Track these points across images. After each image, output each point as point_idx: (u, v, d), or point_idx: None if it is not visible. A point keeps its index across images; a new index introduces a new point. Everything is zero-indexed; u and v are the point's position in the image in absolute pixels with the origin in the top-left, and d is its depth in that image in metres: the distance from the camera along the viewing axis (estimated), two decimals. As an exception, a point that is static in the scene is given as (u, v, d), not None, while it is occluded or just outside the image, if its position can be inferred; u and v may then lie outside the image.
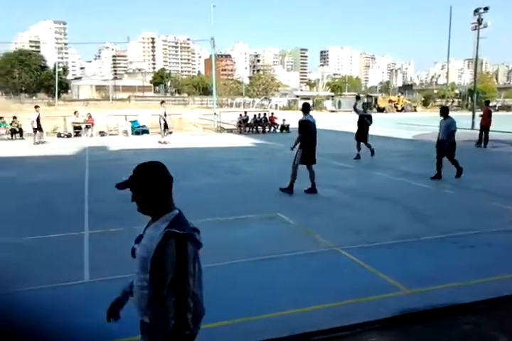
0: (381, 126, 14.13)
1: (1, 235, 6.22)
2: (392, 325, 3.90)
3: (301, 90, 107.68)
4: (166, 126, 18.76)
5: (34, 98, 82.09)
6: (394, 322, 3.92)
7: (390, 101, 60.48)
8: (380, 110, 56.05)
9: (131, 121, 24.13)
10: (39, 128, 19.07)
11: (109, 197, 8.59)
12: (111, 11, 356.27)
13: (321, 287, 4.54)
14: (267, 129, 25.83)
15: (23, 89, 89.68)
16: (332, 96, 73.08)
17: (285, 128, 25.57)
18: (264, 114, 26.82)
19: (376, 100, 60.23)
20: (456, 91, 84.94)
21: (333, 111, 60.26)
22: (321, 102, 66.30)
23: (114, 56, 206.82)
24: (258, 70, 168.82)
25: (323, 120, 35.18)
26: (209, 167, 12.63)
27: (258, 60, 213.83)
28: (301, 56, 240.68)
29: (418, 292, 4.41)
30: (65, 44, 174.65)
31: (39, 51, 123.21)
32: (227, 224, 6.86)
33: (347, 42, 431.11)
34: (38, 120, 18.96)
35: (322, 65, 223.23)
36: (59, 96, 73.61)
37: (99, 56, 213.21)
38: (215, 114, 28.03)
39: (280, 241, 5.99)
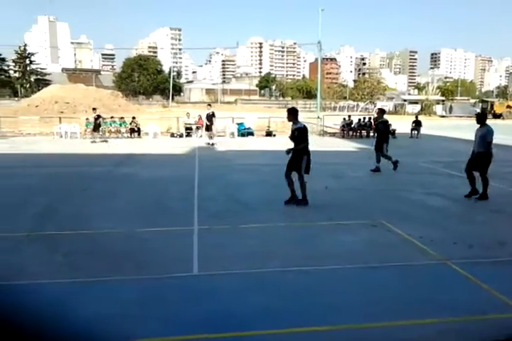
0: (500, 133, 13.05)
1: (120, 225, 6.82)
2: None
3: (409, 94, 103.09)
4: (208, 128, 19.12)
5: (150, 100, 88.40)
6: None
7: (509, 106, 55.66)
8: (497, 116, 51.86)
9: (238, 124, 24.97)
10: (96, 128, 20.44)
11: (216, 196, 9.02)
12: (222, 18, 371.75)
13: (429, 300, 4.33)
14: (371, 134, 25.17)
15: (141, 91, 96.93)
16: (443, 101, 69.00)
17: (391, 133, 24.75)
18: (369, 118, 26.19)
19: (492, 106, 55.85)
20: None
21: (443, 117, 56.95)
22: (431, 107, 62.93)
23: (223, 61, 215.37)
24: (363, 73, 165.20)
25: (432, 126, 33.46)
26: (313, 170, 12.62)
27: (364, 63, 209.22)
28: (410, 58, 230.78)
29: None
30: (180, 49, 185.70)
31: (156, 56, 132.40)
32: (330, 229, 6.83)
33: (460, 44, 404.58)
34: (96, 120, 20.30)
35: (432, 68, 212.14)
36: (172, 98, 78.35)
37: (209, 61, 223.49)
38: (318, 117, 27.96)
39: (385, 250, 5.81)
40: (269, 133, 24.94)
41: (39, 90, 65.46)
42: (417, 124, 24.70)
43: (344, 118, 26.17)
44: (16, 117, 28.61)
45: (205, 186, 10.01)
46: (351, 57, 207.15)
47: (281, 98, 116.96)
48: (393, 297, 4.39)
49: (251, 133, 24.51)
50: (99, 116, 20.56)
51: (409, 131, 25.00)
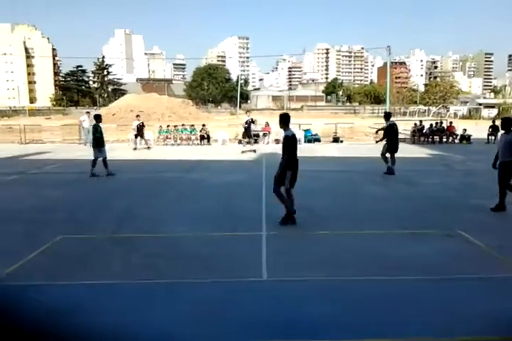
0: None
1: (192, 229, 7.04)
2: None
3: (485, 97, 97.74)
4: (248, 135, 18.99)
5: (219, 107, 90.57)
6: None
7: None
8: None
9: (305, 130, 24.92)
10: (141, 135, 20.82)
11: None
12: (289, 26, 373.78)
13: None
14: (444, 139, 24.16)
15: (210, 99, 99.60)
16: (522, 104, 64.69)
17: (465, 138, 23.63)
18: (441, 123, 25.15)
19: None
20: None
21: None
22: (508, 110, 59.24)
23: (289, 67, 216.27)
24: (435, 77, 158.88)
25: None
26: (380, 177, 12.37)
27: (435, 67, 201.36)
28: (486, 61, 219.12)
29: None
30: (247, 58, 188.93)
31: (225, 65, 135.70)
32: (403, 238, 6.63)
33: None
34: (140, 127, 20.69)
35: (510, 70, 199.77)
36: (240, 106, 79.79)
37: (276, 68, 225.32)
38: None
39: (463, 262, 5.54)
40: (336, 139, 24.65)
41: (116, 99, 69.25)
42: (494, 129, 23.36)
43: (415, 124, 25.31)
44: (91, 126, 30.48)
45: (272, 192, 10.06)
46: (422, 61, 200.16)
47: (348, 103, 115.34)
48: (478, 313, 4.15)
49: (318, 140, 24.37)
50: (143, 124, 21.23)
51: (486, 136, 23.73)
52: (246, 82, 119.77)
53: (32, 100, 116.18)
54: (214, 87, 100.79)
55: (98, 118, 12.91)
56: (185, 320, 4.02)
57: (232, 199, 9.51)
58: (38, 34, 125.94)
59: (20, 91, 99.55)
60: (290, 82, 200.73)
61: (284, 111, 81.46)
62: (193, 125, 24.78)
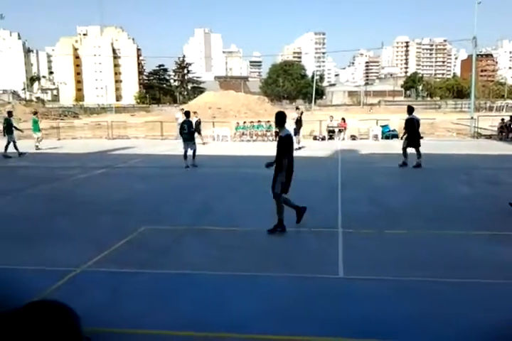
0: None
1: (269, 224, 7.13)
2: None
3: None
4: (296, 132, 18.33)
5: (293, 104, 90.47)
6: None
7: None
8: None
9: (382, 126, 24.23)
10: (198, 131, 20.52)
11: (359, 199, 8.91)
12: (366, 20, 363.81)
13: None
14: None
15: (285, 96, 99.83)
16: None
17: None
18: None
19: None
20: None
21: None
22: None
23: (367, 62, 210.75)
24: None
25: None
26: (465, 174, 11.75)
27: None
28: None
29: None
30: (323, 53, 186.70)
31: (300, 61, 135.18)
32: (484, 239, 6.28)
33: None
34: (197, 124, 20.51)
35: None
36: (315, 102, 79.17)
37: (352, 63, 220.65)
38: (472, 118, 25.75)
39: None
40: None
41: (195, 97, 71.55)
42: None
43: (502, 119, 23.68)
44: (175, 122, 31.76)
45: (348, 188, 9.94)
46: (511, 53, 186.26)
47: (428, 98, 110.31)
48: None
49: (395, 136, 23.55)
50: (200, 121, 21.33)
51: None
52: (321, 77, 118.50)
53: (118, 98, 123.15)
54: (289, 84, 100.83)
55: (188, 114, 14.22)
56: (260, 314, 4.09)
57: (308, 195, 9.47)
58: (125, 35, 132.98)
59: (108, 90, 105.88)
60: (367, 76, 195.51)
61: (360, 106, 79.61)
62: (268, 121, 24.98)
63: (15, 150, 16.58)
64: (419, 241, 6.25)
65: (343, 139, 23.15)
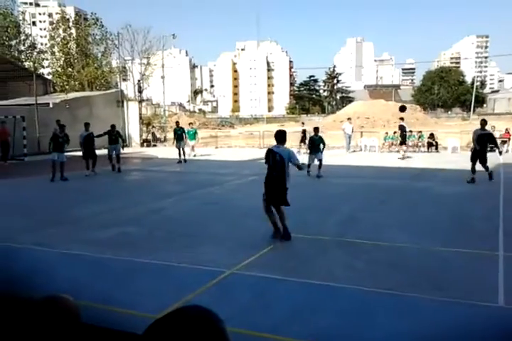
0: None
1: (415, 240, 6.76)
2: None
3: None
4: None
5: (449, 113, 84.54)
6: None
7: None
8: None
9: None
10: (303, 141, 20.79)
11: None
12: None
13: None
14: None
15: (440, 104, 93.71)
16: None
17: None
18: None
19: None
20: None
21: None
22: None
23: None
24: None
25: None
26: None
27: None
28: None
29: None
30: (486, 57, 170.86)
31: (459, 67, 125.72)
32: None
33: None
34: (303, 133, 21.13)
35: None
36: (474, 110, 72.89)
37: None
38: None
39: None
40: None
41: (343, 107, 71.26)
42: None
43: None
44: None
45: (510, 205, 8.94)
46: None
47: None
48: None
49: None
50: (305, 131, 21.43)
51: None
52: (482, 84, 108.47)
53: (270, 109, 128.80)
54: (445, 91, 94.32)
55: (316, 130, 14.76)
56: (403, 337, 3.89)
57: (462, 211, 8.80)
58: (279, 48, 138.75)
59: (261, 101, 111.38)
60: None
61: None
62: (420, 131, 23.74)
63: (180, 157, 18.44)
64: None
65: (507, 151, 20.90)
